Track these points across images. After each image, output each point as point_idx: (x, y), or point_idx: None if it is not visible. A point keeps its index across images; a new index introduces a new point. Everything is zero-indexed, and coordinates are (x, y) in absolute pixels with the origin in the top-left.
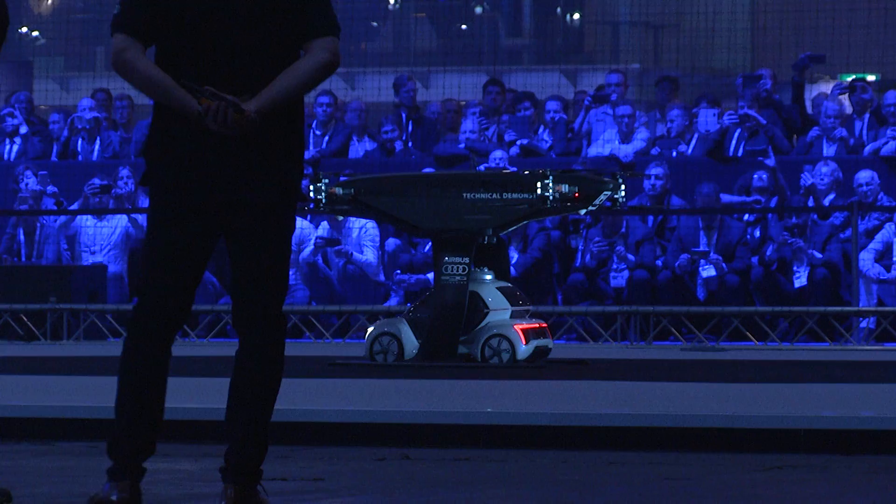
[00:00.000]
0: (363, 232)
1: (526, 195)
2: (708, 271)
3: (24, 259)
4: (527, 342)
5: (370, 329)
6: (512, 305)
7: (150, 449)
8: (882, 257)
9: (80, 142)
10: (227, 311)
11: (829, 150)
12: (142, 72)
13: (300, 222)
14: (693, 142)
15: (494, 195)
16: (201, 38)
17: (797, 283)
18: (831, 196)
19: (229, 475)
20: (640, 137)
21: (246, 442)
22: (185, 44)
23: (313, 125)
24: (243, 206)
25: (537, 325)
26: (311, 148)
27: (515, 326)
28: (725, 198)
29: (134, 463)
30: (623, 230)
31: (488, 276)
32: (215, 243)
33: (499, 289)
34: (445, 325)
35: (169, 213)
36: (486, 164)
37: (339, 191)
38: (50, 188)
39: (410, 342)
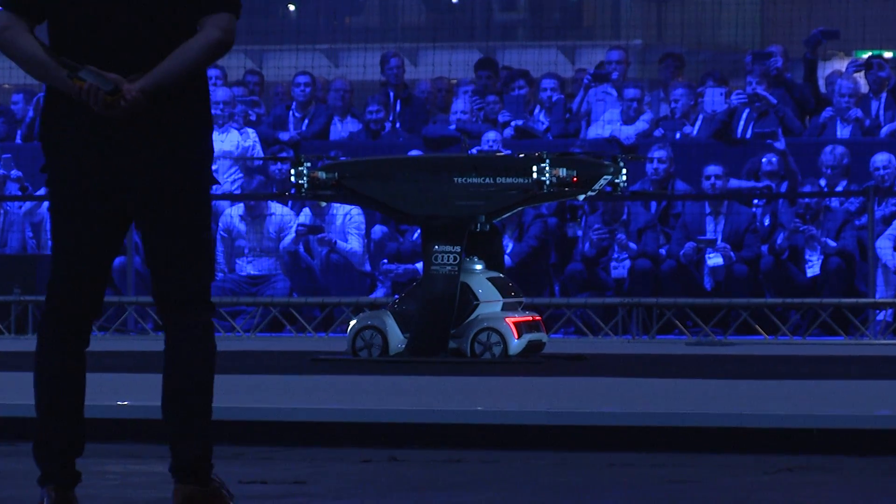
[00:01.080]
0: (347, 219)
1: (521, 180)
2: (715, 260)
3: None
4: (519, 336)
5: (352, 322)
6: (503, 297)
7: (75, 449)
8: None
9: None
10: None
11: (843, 131)
12: (23, 50)
13: (279, 209)
14: (698, 123)
15: (487, 180)
16: (91, 14)
17: (810, 273)
18: (845, 182)
19: (177, 473)
20: (643, 118)
21: (185, 435)
22: (74, 21)
23: (293, 107)
24: (146, 190)
25: (530, 318)
26: (290, 130)
27: (507, 319)
28: (734, 182)
29: (60, 466)
30: (624, 217)
31: (478, 266)
32: (124, 231)
33: (489, 279)
34: (435, 319)
35: (70, 202)
36: (478, 147)
37: (321, 175)
38: (14, 172)
39: (395, 336)
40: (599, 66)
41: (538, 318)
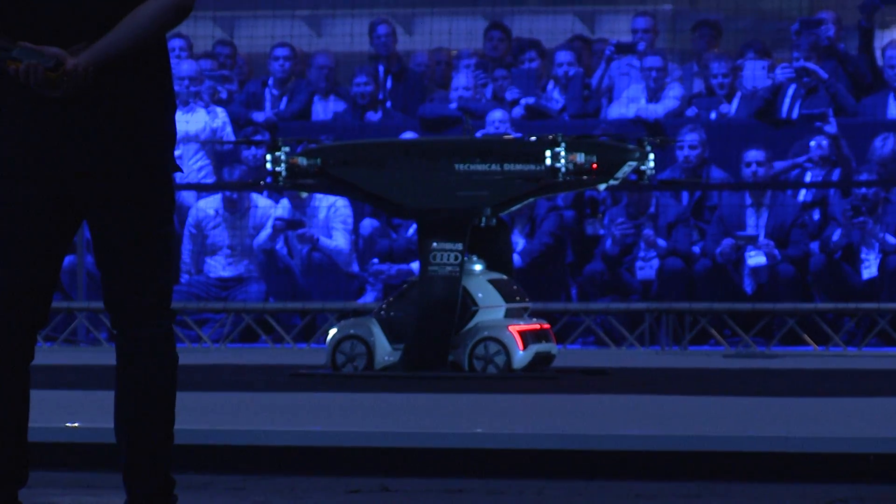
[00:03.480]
0: (332, 212)
1: (532, 167)
2: (756, 259)
3: None
4: (524, 347)
5: (332, 332)
6: (506, 302)
7: (17, 478)
8: None
9: None
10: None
11: None
12: None
13: (263, 201)
14: (737, 101)
15: (493, 166)
16: None
17: (866, 275)
18: None
19: None
20: (673, 95)
21: (142, 465)
22: None
23: (269, 83)
24: (96, 178)
25: (537, 327)
26: (266, 109)
27: (510, 328)
28: (780, 166)
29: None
30: (652, 209)
31: (477, 266)
32: (75, 227)
33: (490, 281)
34: (434, 327)
35: (11, 192)
36: (483, 129)
37: (302, 161)
38: None
39: (382, 347)
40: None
41: (546, 325)
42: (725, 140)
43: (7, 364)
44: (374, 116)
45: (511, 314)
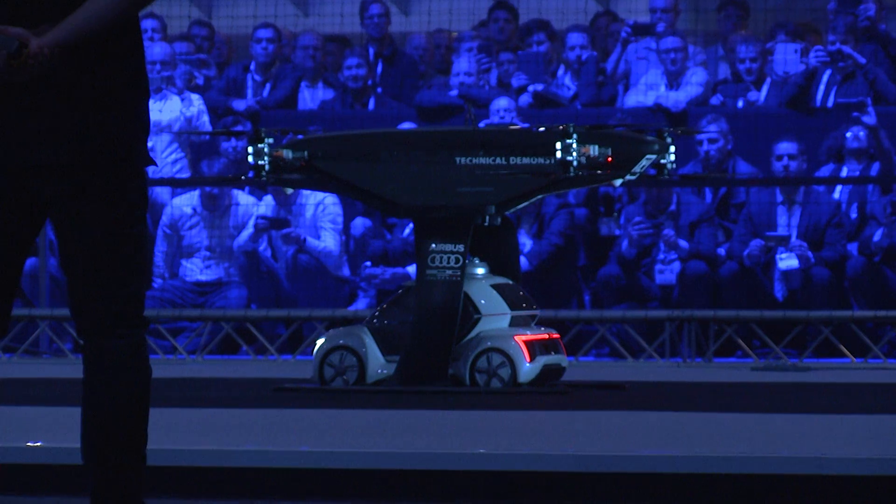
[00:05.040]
0: (320, 210)
1: (541, 160)
2: (788, 262)
3: None
4: (532, 359)
5: (320, 342)
6: (512, 309)
7: None
8: None
9: None
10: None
11: None
12: None
13: (245, 198)
14: (766, 88)
15: (498, 160)
16: None
17: None
18: None
19: None
20: (696, 81)
21: (110, 488)
22: None
23: (251, 68)
24: (61, 172)
25: (546, 336)
26: (248, 97)
27: (516, 338)
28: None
29: None
30: (673, 207)
31: (480, 270)
32: (39, 226)
33: (494, 287)
34: (432, 337)
35: None
36: (486, 119)
37: (287, 154)
38: None
39: (375, 359)
40: (642, 19)
41: (556, 335)
42: (754, 131)
43: None
44: (366, 106)
45: (517, 322)
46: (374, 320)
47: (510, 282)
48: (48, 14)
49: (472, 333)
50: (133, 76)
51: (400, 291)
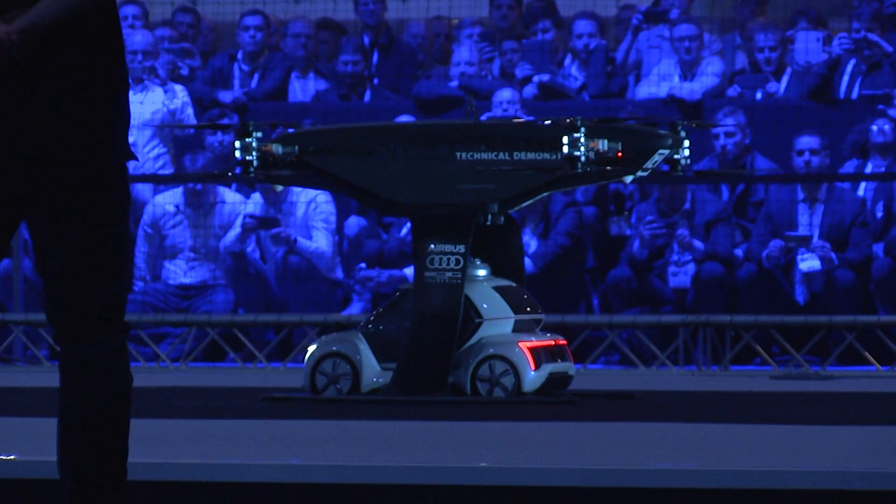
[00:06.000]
0: (312, 209)
1: (547, 155)
2: (810, 264)
3: None
4: (537, 367)
5: (311, 349)
6: (515, 312)
7: None
8: None
9: None
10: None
11: None
12: None
13: (232, 196)
14: (787, 78)
15: (501, 155)
16: None
17: None
18: None
19: None
20: (712, 72)
21: (85, 501)
22: None
23: (238, 57)
24: (36, 168)
25: (552, 343)
26: (235, 88)
27: (520, 344)
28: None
29: None
30: (687, 206)
31: (482, 271)
32: (14, 225)
33: (497, 289)
34: (430, 343)
35: None
36: (489, 112)
37: (277, 149)
38: None
39: (370, 367)
40: (654, 4)
41: (563, 341)
42: (773, 124)
43: None
44: (361, 97)
45: (521, 327)
46: (370, 325)
47: (514, 284)
48: (19, 1)
49: (474, 339)
50: (113, 64)
51: (397, 294)
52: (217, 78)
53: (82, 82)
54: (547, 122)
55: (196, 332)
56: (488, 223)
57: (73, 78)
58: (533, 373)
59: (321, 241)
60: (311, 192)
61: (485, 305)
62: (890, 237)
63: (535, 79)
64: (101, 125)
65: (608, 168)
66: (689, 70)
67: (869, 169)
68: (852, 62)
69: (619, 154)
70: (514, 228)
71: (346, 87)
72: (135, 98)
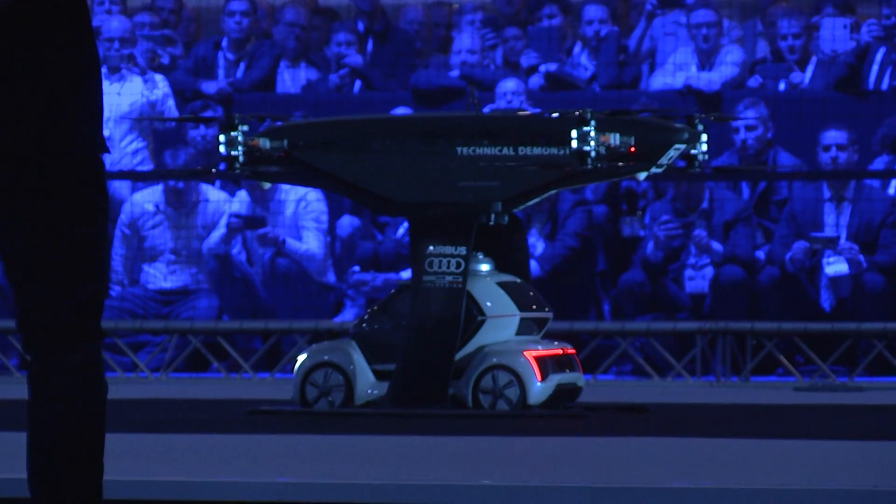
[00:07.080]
0: (302, 207)
1: (554, 150)
2: (837, 268)
3: None
4: (543, 377)
5: (301, 358)
6: (521, 310)
7: None
8: None
9: None
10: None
11: None
12: None
13: (216, 194)
14: (812, 68)
15: (505, 150)
16: None
17: None
18: None
19: None
20: (731, 61)
21: None
22: None
23: (223, 45)
24: (2, 164)
25: (560, 351)
26: (219, 78)
27: (526, 353)
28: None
29: None
30: (705, 205)
31: (485, 267)
32: None
33: (501, 285)
34: (430, 352)
35: None
36: (492, 104)
37: (264, 143)
38: None
39: (364, 378)
40: None
41: (571, 350)
42: (797, 117)
43: None
44: (355, 87)
45: (527, 326)
46: (363, 324)
47: (517, 280)
48: None
49: (475, 339)
50: (83, 53)
51: (392, 292)
52: (200, 67)
53: (53, 69)
54: (554, 115)
55: (177, 341)
56: (491, 223)
57: (41, 64)
58: (539, 384)
59: (312, 243)
60: (301, 190)
61: (488, 303)
62: None
63: (542, 68)
64: (73, 120)
65: (620, 164)
66: (707, 59)
67: None
68: (882, 50)
69: (632, 149)
70: (518, 229)
71: (338, 78)
72: (112, 89)
